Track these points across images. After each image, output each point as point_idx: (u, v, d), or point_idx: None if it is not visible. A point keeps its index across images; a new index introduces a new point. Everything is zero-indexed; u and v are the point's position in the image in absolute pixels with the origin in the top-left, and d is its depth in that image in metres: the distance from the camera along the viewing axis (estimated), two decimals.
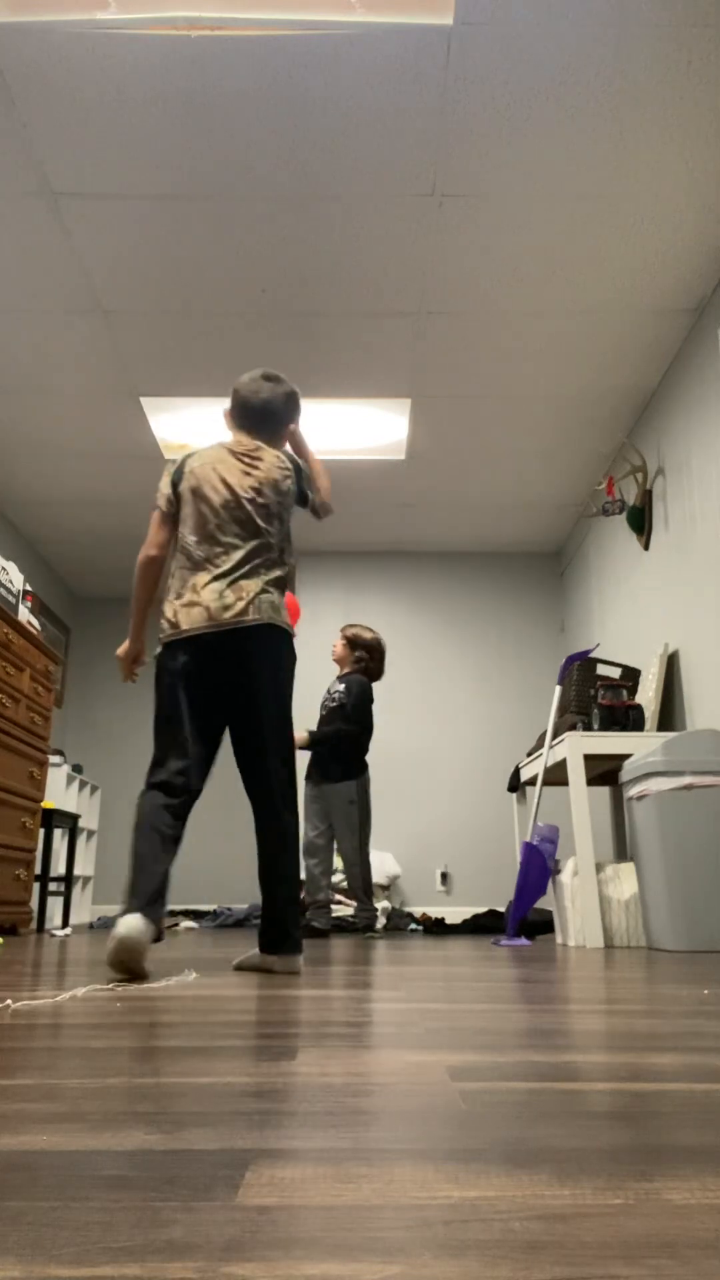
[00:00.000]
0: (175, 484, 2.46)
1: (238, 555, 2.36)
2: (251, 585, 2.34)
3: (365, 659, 4.56)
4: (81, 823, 6.23)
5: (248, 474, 2.42)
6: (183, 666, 2.28)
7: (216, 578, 2.33)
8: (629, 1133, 0.74)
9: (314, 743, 4.39)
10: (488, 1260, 0.48)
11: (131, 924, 1.99)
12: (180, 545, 2.41)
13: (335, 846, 4.41)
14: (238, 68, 2.75)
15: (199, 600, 2.31)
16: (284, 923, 2.26)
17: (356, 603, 6.46)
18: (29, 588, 5.60)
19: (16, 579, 4.36)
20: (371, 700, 4.48)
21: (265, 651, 2.31)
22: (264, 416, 2.53)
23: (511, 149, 3.04)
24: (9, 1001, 1.56)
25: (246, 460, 2.45)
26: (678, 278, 3.68)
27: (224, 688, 2.31)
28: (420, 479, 5.42)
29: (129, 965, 1.97)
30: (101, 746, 7.17)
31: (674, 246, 3.50)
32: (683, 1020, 1.38)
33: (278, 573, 2.41)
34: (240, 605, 2.30)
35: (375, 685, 6.22)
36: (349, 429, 4.85)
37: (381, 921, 5.27)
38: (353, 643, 4.57)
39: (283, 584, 2.42)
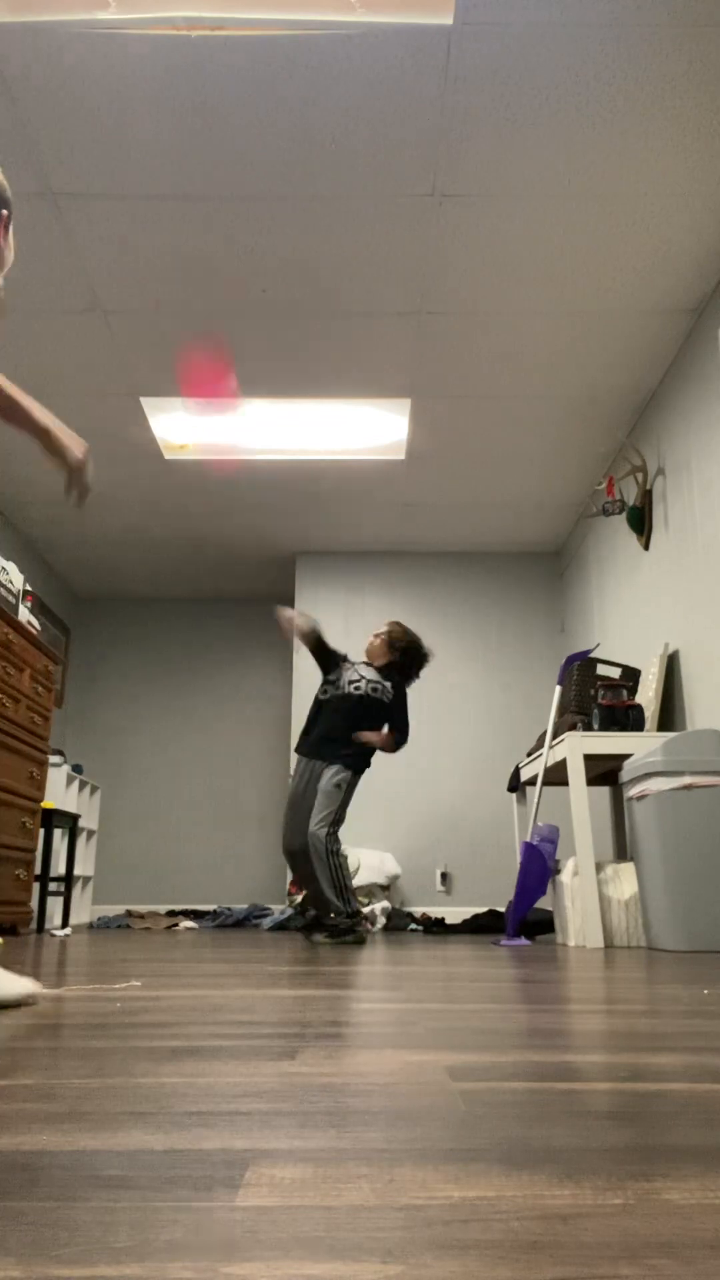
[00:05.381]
0: None
1: None
2: None
3: (400, 661, 4.10)
4: (81, 823, 6.23)
5: None
6: None
7: None
8: (629, 1133, 0.74)
9: (379, 747, 3.92)
10: (488, 1260, 0.48)
11: None
12: None
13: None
14: (238, 68, 2.75)
15: None
16: None
17: (356, 603, 6.45)
18: (29, 588, 5.60)
19: (16, 579, 4.36)
20: None
21: None
22: None
23: (511, 149, 3.03)
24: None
25: None
26: (678, 278, 3.67)
27: None
28: (420, 479, 5.42)
29: None
30: (101, 746, 7.17)
31: (674, 246, 3.50)
32: (683, 1020, 1.38)
33: None
34: None
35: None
36: (349, 429, 4.84)
37: (381, 922, 5.25)
38: (393, 643, 4.10)
39: None
